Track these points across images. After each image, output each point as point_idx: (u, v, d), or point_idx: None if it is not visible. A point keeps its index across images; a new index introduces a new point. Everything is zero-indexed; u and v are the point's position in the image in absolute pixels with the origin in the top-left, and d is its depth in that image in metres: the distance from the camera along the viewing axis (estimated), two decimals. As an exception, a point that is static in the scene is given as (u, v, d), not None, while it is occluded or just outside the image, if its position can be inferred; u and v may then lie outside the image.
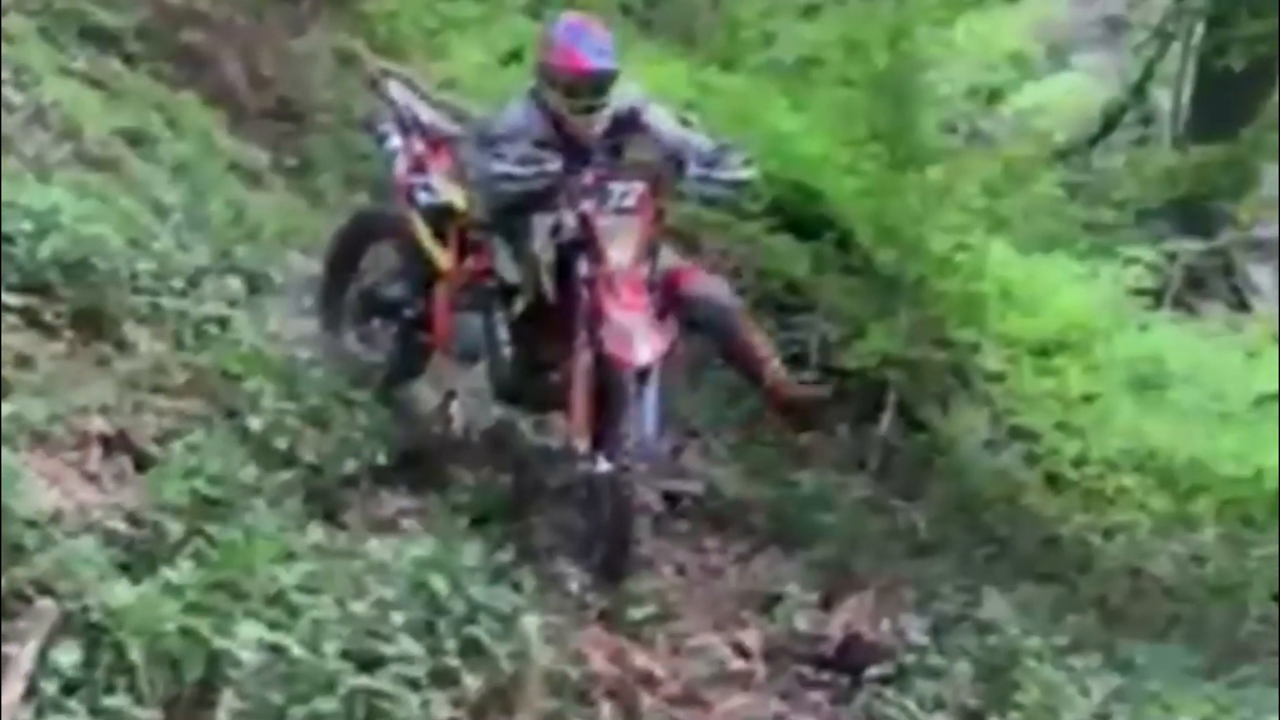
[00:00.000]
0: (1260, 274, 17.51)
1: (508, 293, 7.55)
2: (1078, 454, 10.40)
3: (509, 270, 7.54)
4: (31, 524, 5.46)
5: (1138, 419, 11.12)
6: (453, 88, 12.07)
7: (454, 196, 7.70)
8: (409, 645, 5.67)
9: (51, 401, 6.14)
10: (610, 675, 6.34)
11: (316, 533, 6.40)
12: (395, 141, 7.98)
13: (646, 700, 6.30)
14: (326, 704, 5.29)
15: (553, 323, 7.32)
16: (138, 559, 5.74)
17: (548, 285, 7.35)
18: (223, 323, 7.28)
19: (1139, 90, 18.69)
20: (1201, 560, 9.66)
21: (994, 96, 16.86)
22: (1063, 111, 18.33)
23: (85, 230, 6.91)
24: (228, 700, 5.28)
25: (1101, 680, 6.58)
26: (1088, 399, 11.05)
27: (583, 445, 6.98)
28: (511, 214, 7.43)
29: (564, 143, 7.41)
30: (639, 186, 7.29)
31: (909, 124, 10.43)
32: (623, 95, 7.56)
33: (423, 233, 7.77)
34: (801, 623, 6.96)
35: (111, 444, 6.31)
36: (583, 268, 7.18)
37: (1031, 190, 12.14)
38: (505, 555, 6.46)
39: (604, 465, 6.89)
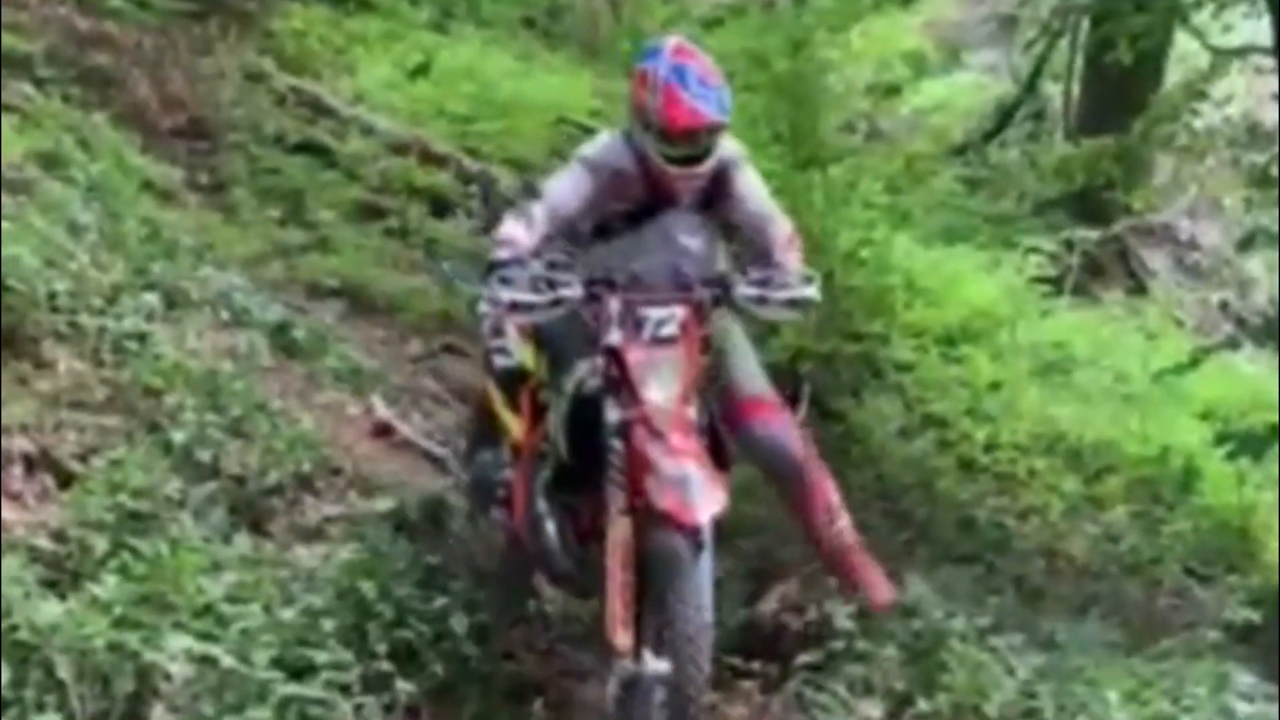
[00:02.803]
0: (1156, 259, 17.76)
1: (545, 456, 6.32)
2: (988, 439, 10.55)
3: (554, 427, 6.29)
4: (-44, 545, 5.46)
5: (1045, 403, 11.31)
6: (362, 102, 12.12)
7: (526, 356, 6.55)
8: (339, 652, 5.69)
9: (-28, 422, 6.13)
10: (541, 673, 6.36)
11: (243, 543, 6.42)
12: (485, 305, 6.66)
13: (577, 696, 6.32)
14: (258, 713, 5.31)
15: (593, 487, 5.94)
16: (64, 576, 5.76)
17: (561, 440, 6.12)
18: (142, 338, 7.24)
19: (1031, 86, 18.93)
20: (1114, 538, 9.78)
21: (891, 93, 17.08)
22: (958, 108, 18.58)
23: (1, 251, 6.88)
24: (158, 714, 5.31)
25: (1025, 659, 6.64)
26: (995, 385, 11.23)
27: (623, 641, 5.61)
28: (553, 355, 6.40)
29: (650, 189, 6.35)
30: (680, 311, 5.98)
31: (810, 126, 10.53)
32: (721, 146, 6.37)
33: (498, 401, 6.69)
34: (729, 613, 6.99)
35: (34, 462, 6.30)
36: (613, 413, 5.83)
37: (932, 185, 12.30)
38: (433, 558, 6.47)
39: (657, 664, 5.56)
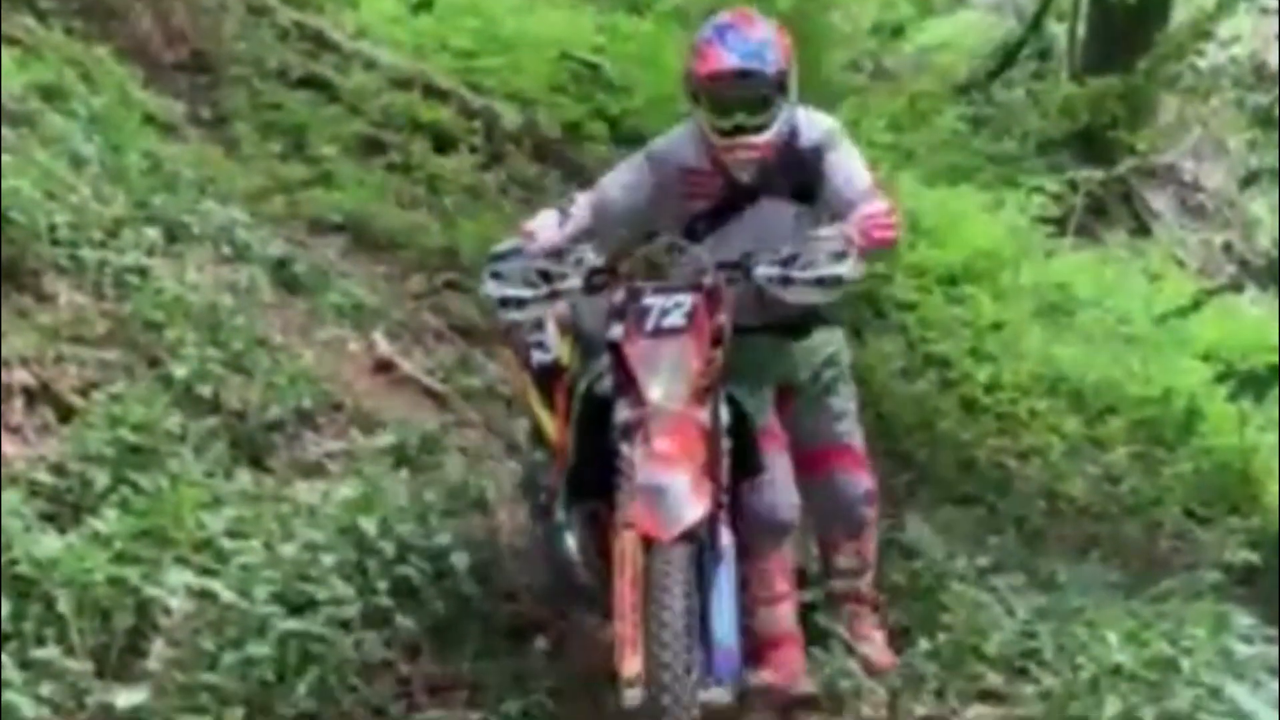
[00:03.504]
0: (1159, 200, 17.73)
1: None
2: (990, 379, 10.56)
3: None
4: (-44, 479, 5.46)
5: (1047, 344, 11.32)
6: (365, 36, 12.08)
7: (563, 351, 6.07)
8: (340, 587, 5.67)
9: (-28, 355, 6.12)
10: (541, 612, 6.35)
11: (243, 478, 6.43)
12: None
13: (576, 633, 6.33)
14: (258, 649, 5.28)
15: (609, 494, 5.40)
16: (64, 510, 5.76)
17: (570, 443, 5.64)
18: (142, 272, 7.22)
19: (1036, 25, 18.82)
20: (1115, 479, 9.78)
21: (895, 32, 17.02)
22: (963, 47, 18.52)
23: (2, 184, 6.86)
24: (158, 648, 5.31)
25: (1025, 599, 6.64)
26: (998, 326, 11.24)
27: (632, 668, 4.87)
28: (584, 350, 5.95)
29: (728, 183, 5.85)
30: (688, 299, 5.37)
31: (815, 63, 10.50)
32: (812, 123, 5.92)
33: (535, 400, 6.20)
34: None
35: (34, 395, 6.28)
36: (622, 413, 5.31)
37: (935, 124, 12.31)
38: (432, 495, 6.46)
39: (639, 697, 4.87)
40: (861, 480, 6.19)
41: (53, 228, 7.03)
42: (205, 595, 5.43)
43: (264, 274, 8.19)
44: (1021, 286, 12.07)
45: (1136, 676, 5.80)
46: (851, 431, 6.24)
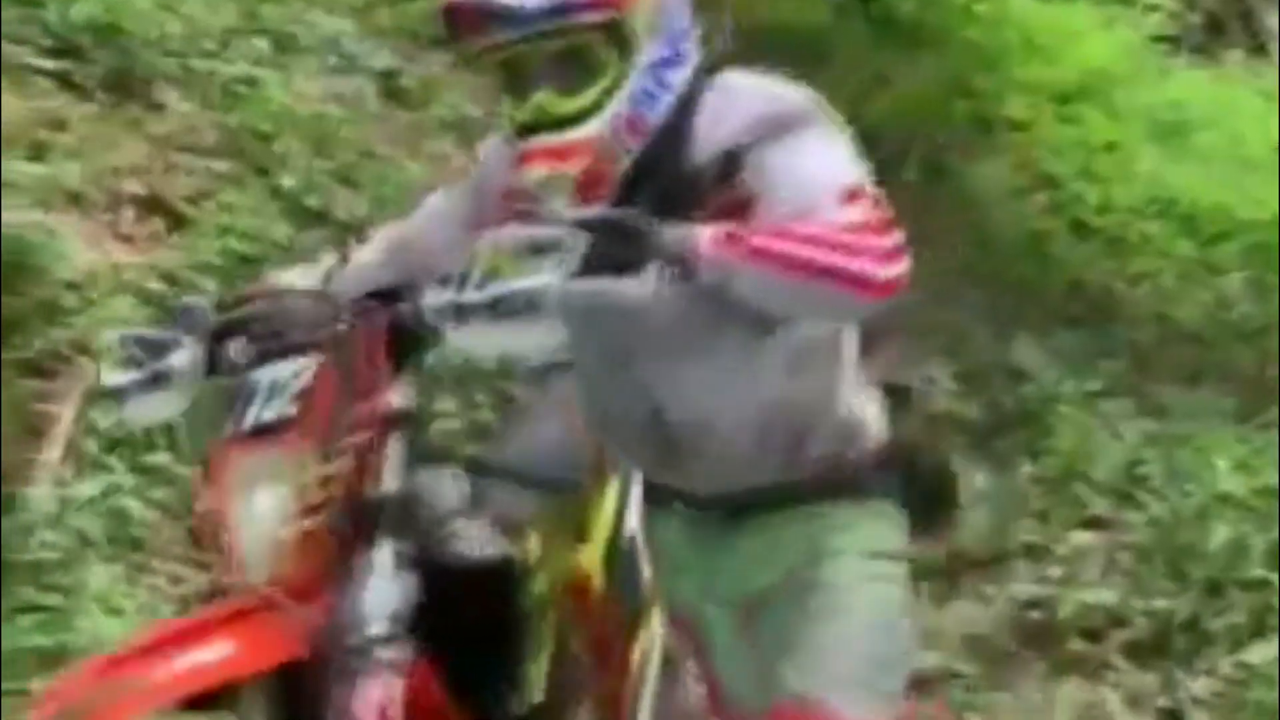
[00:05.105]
0: (1278, 20, 17.36)
1: None
2: (1101, 201, 10.37)
3: None
4: (69, 285, 5.48)
5: (1160, 166, 11.10)
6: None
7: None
8: (444, 400, 5.70)
9: (85, 163, 6.12)
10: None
11: (351, 289, 6.41)
12: None
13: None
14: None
15: None
16: (175, 318, 5.74)
17: None
18: (251, 82, 7.21)
19: None
20: (1227, 305, 9.63)
21: None
22: None
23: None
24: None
25: (1134, 425, 6.60)
26: (1110, 146, 11.02)
27: None
28: None
29: None
30: (307, 368, 3.01)
31: None
32: (736, 106, 3.07)
33: None
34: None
35: (145, 204, 6.30)
36: None
37: (1050, -63, 12.02)
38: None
39: None
40: None
41: (163, 37, 7.03)
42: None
43: (370, 85, 8.14)
44: (1135, 106, 11.84)
45: (1245, 505, 5.77)
46: (839, 683, 3.14)
